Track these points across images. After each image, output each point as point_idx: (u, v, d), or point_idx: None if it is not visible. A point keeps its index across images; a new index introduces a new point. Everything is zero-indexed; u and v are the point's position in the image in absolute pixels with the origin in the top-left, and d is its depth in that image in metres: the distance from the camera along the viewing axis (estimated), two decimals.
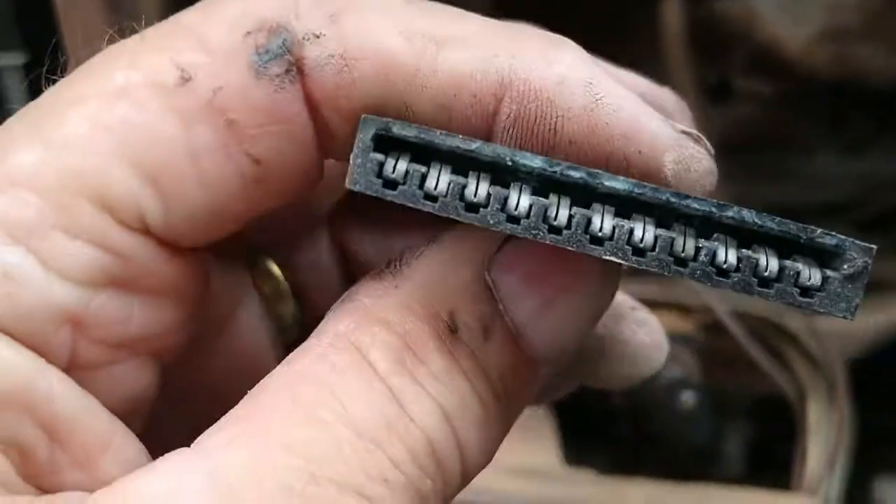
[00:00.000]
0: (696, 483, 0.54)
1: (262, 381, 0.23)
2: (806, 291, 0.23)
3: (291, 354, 0.23)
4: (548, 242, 0.22)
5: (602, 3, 0.83)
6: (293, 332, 0.32)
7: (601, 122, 0.23)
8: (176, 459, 0.22)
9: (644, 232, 0.22)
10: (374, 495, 0.21)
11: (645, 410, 0.58)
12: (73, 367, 0.24)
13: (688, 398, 0.53)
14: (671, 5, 0.74)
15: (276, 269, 0.32)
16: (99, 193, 0.23)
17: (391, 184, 0.22)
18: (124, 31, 0.24)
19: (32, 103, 0.24)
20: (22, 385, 0.23)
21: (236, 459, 0.21)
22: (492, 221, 0.22)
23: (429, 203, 0.22)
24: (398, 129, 0.22)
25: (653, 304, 0.59)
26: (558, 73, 0.23)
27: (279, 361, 0.23)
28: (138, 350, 0.26)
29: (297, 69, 0.23)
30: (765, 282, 0.23)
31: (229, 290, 0.30)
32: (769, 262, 0.23)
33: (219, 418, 0.23)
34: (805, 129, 0.86)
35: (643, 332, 0.32)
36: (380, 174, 0.22)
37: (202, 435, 0.22)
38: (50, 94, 0.24)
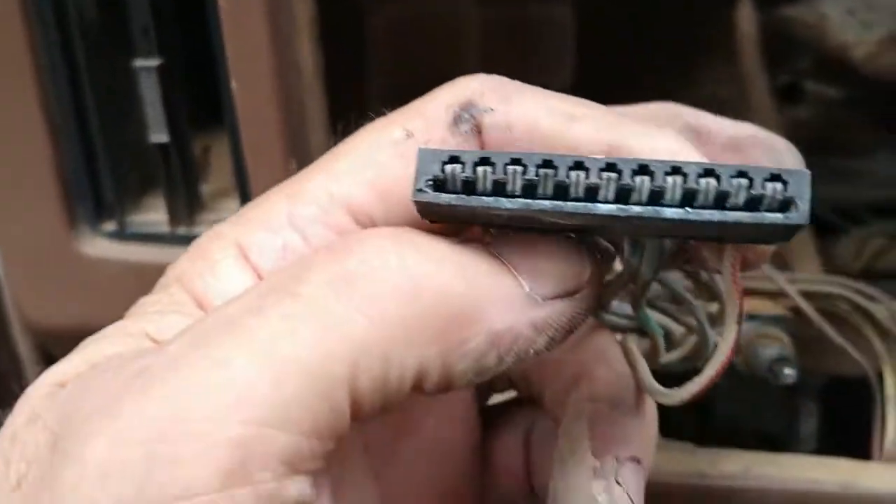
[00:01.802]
0: (782, 453, 0.58)
1: None
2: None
3: None
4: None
5: (679, 12, 0.87)
6: None
7: None
8: None
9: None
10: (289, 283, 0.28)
11: (746, 388, 0.61)
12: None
13: (789, 374, 0.57)
14: (745, 11, 0.78)
15: None
16: (348, 203, 0.33)
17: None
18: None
19: (341, 146, 0.35)
20: None
21: None
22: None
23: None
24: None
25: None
26: (652, 145, 0.30)
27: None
28: None
29: (477, 130, 0.32)
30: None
31: None
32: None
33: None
34: (867, 133, 0.89)
35: (604, 497, 0.36)
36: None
37: None
38: (344, 144, 0.34)
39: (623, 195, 0.27)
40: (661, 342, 0.38)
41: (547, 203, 0.27)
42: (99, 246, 0.62)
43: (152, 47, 0.59)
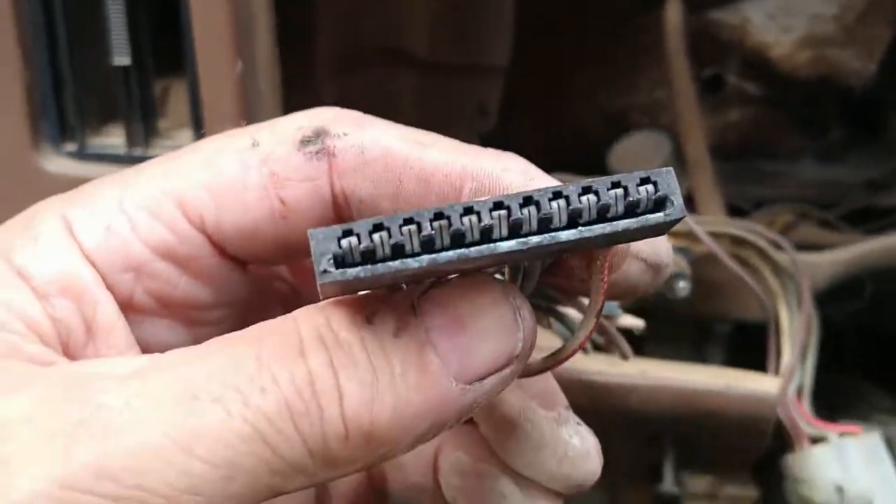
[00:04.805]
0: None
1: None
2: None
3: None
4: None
5: (609, 15, 0.93)
6: None
7: None
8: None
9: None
10: (250, 393, 0.28)
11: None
12: (127, 307, 0.35)
13: (683, 286, 0.62)
14: (672, 11, 0.84)
15: None
16: (180, 198, 0.35)
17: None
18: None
19: (187, 147, 0.37)
20: (81, 287, 0.34)
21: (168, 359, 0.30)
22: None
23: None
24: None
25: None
26: (504, 164, 0.33)
27: None
28: (176, 314, 0.37)
29: (328, 154, 0.34)
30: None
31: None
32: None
33: None
34: (788, 138, 0.96)
35: (577, 439, 0.38)
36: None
37: None
38: (191, 146, 0.37)
39: (515, 228, 0.27)
40: None
41: (452, 254, 0.27)
42: (60, 164, 0.67)
43: (125, 48, 0.65)
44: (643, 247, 0.35)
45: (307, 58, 0.73)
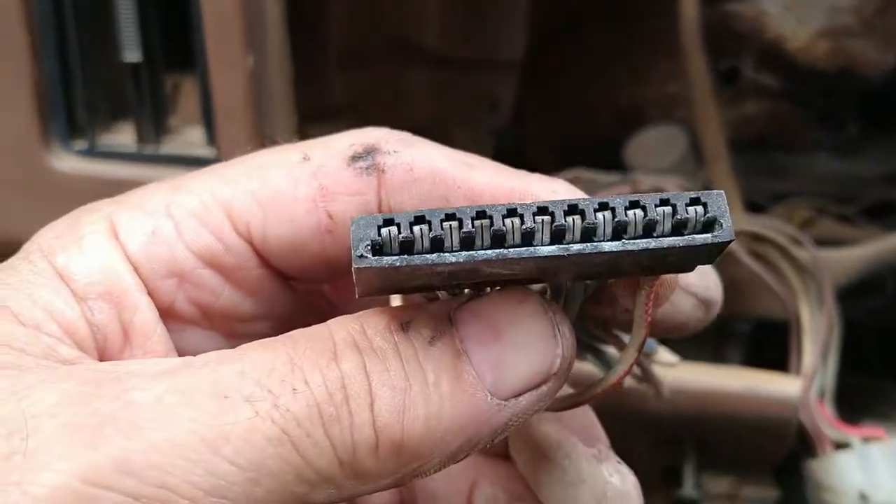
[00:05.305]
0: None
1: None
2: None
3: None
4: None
5: (622, 8, 0.93)
6: None
7: None
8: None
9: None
10: (280, 394, 0.28)
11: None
12: (167, 314, 0.35)
13: None
14: (688, 3, 0.83)
15: None
16: (228, 206, 0.35)
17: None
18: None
19: (238, 158, 0.37)
20: (122, 291, 0.34)
21: (205, 359, 0.30)
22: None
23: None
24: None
25: None
26: (552, 187, 0.34)
27: None
28: (216, 324, 0.37)
29: (378, 170, 0.35)
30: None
31: None
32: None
33: None
34: (804, 132, 0.95)
35: (617, 477, 0.37)
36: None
37: None
38: (242, 157, 0.37)
39: (558, 236, 0.27)
40: None
41: (491, 252, 0.27)
42: (70, 162, 0.66)
43: (134, 43, 0.64)
44: (694, 281, 0.34)
45: (318, 52, 0.72)
